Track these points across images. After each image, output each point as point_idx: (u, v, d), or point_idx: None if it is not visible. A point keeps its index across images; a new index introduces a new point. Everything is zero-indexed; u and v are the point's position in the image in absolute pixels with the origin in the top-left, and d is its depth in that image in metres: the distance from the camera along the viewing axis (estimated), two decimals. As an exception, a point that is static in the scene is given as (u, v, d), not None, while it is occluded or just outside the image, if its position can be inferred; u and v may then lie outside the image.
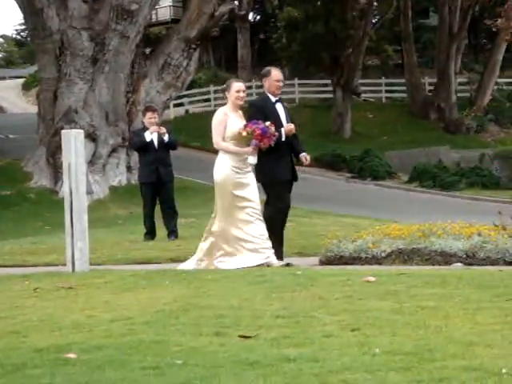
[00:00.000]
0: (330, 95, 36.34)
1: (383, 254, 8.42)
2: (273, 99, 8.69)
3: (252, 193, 8.27)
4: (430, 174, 27.30)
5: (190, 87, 33.72)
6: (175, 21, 38.55)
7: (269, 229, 8.27)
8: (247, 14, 43.82)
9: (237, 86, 8.40)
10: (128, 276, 7.29)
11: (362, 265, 8.40)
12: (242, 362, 4.06)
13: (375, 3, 36.93)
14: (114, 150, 23.00)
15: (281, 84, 8.79)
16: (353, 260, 8.53)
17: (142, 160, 12.44)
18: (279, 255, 8.45)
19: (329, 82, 36.35)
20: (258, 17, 48.24)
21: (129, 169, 23.26)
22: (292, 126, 8.67)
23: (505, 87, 37.08)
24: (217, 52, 47.17)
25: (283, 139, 8.54)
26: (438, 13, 36.03)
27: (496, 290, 5.63)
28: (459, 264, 7.96)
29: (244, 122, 8.36)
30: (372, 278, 6.36)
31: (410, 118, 36.23)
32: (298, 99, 39.53)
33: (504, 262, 7.85)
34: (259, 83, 40.76)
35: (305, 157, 8.69)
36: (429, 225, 8.80)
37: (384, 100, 40.00)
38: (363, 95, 38.61)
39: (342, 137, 34.22)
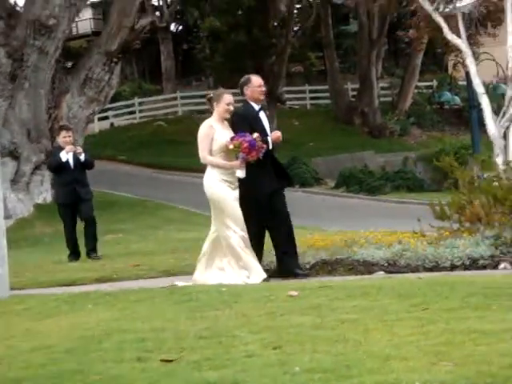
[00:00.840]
0: (255, 104, 36.48)
1: (307, 266, 8.50)
2: (256, 107, 8.49)
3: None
4: (356, 178, 27.65)
5: (114, 100, 33.44)
6: (96, 33, 38.17)
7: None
8: (169, 25, 43.71)
9: (228, 99, 8.16)
10: (50, 301, 7.17)
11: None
12: (163, 389, 4.05)
13: (295, 11, 37.29)
14: (37, 167, 22.62)
15: (264, 89, 8.58)
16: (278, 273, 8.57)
17: (59, 180, 12.26)
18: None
19: (253, 90, 36.47)
20: (181, 27, 48.16)
21: (53, 186, 22.92)
22: (279, 133, 8.50)
23: (425, 91, 37.82)
24: (140, 64, 46.91)
25: (270, 148, 8.32)
26: (358, 19, 36.58)
27: (414, 300, 5.74)
28: (381, 272, 8.09)
29: (231, 133, 8.15)
30: (295, 293, 6.41)
31: (335, 124, 36.65)
32: (224, 109, 39.53)
33: (423, 268, 8.01)
34: (184, 94, 40.81)
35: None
36: (351, 234, 8.92)
37: (309, 107, 40.39)
38: (288, 103, 38.93)
39: (268, 145, 34.35)
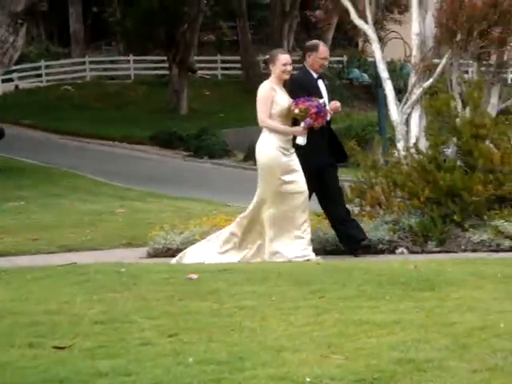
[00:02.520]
0: (166, 72, 36.14)
1: (210, 246, 8.45)
2: (315, 75, 8.12)
3: (301, 179, 7.68)
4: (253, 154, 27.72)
5: (19, 62, 32.50)
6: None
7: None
8: (79, -13, 42.73)
9: (284, 59, 7.74)
10: None
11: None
12: (52, 380, 3.96)
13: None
14: None
15: (326, 63, 8.31)
16: (180, 252, 8.53)
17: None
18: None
19: (164, 58, 36.13)
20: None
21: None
22: (338, 103, 8.21)
23: (335, 65, 38.13)
24: (48, 25, 45.70)
25: (328, 118, 7.94)
26: (271, -9, 36.59)
27: (312, 287, 5.79)
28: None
29: (288, 98, 7.67)
30: (194, 276, 6.38)
31: (246, 95, 36.50)
32: (134, 75, 39.05)
33: (324, 251, 8.10)
34: (93, 58, 39.98)
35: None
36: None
37: (220, 77, 40.22)
38: (199, 72, 38.65)
39: (178, 114, 34.13)
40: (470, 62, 9.29)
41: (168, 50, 34.60)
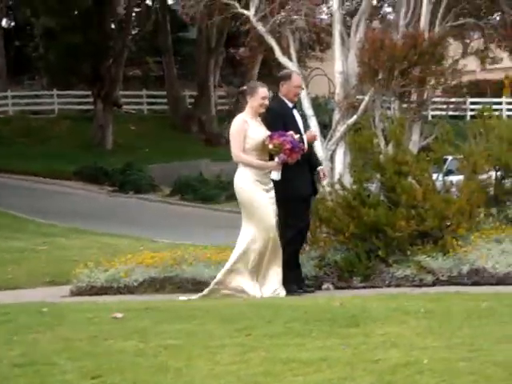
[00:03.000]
0: (91, 106, 35.86)
1: (135, 284, 8.39)
2: (290, 105, 8.05)
3: (274, 212, 7.60)
4: (191, 187, 27.72)
5: None
6: None
7: (290, 253, 7.74)
8: (0, 21, 42.19)
9: (263, 92, 7.66)
10: None
11: (115, 294, 8.32)
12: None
13: (134, 15, 36.98)
14: None
15: (300, 91, 8.19)
16: (105, 290, 8.42)
17: None
18: (300, 279, 8.00)
19: (89, 93, 35.87)
20: (13, 23, 46.49)
21: None
22: (314, 132, 8.12)
23: (261, 101, 38.40)
24: (-30, 59, 44.88)
25: (305, 148, 7.84)
26: (196, 27, 36.72)
27: (238, 324, 5.76)
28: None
29: (265, 130, 7.60)
30: (119, 315, 6.29)
31: (172, 131, 36.59)
32: (58, 110, 38.60)
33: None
34: (16, 93, 39.37)
35: (323, 171, 8.10)
36: (181, 251, 8.90)
37: (146, 112, 40.10)
38: (125, 107, 38.48)
39: (103, 149, 33.86)
40: (392, 99, 9.49)
41: (92, 84, 34.39)
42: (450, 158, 10.81)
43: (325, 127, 12.28)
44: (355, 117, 9.12)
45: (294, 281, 7.86)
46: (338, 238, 8.39)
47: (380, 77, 8.95)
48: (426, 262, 7.94)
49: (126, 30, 34.23)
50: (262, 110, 7.67)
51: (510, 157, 8.69)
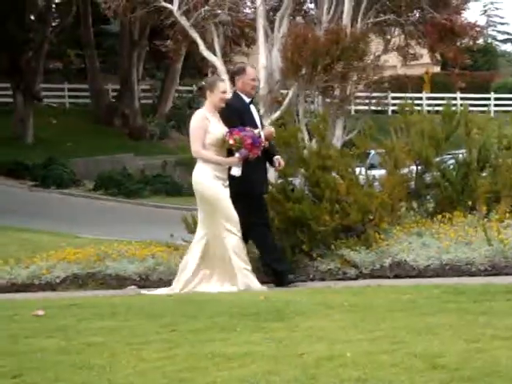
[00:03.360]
0: (10, 99, 35.10)
1: (57, 280, 8.27)
2: (246, 100, 7.92)
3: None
4: (115, 181, 27.45)
5: None
6: None
7: (264, 244, 7.71)
8: None
9: (222, 87, 7.64)
10: None
11: (36, 291, 8.18)
12: None
13: (54, 7, 36.33)
14: None
15: (256, 83, 7.98)
16: (26, 287, 8.27)
17: None
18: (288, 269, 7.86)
19: (8, 85, 35.10)
20: None
21: None
22: (272, 129, 7.98)
23: (185, 95, 38.28)
24: None
25: (265, 144, 7.74)
26: (119, 20, 36.32)
27: (163, 320, 5.73)
28: (133, 287, 8.04)
29: (223, 126, 7.50)
30: (41, 312, 6.18)
31: (95, 124, 36.11)
32: (-24, 104, 37.65)
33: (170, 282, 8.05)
34: None
35: (278, 160, 7.92)
36: (104, 247, 8.80)
37: (68, 105, 39.44)
38: (46, 100, 37.78)
39: (24, 143, 33.16)
40: (316, 94, 9.56)
41: (11, 77, 33.65)
42: (372, 152, 10.97)
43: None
44: (279, 112, 9.15)
45: (286, 269, 7.81)
46: (262, 232, 8.39)
47: (303, 72, 9.00)
48: (350, 255, 8.03)
49: (46, 22, 33.59)
50: (222, 105, 7.61)
51: (431, 152, 8.85)
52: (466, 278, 7.38)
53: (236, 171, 7.53)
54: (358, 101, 24.41)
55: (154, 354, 4.82)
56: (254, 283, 7.50)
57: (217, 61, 9.51)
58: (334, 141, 8.99)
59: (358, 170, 8.84)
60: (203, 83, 7.93)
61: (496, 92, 44.11)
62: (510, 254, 7.50)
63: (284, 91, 9.70)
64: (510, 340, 4.37)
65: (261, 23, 9.20)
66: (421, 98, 38.71)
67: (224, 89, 7.66)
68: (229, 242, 7.46)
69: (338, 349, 4.48)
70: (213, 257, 7.57)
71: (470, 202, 8.60)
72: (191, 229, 8.55)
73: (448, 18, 18.71)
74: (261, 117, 8.05)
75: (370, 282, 7.46)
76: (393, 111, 30.03)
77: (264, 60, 9.06)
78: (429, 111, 10.18)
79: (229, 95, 7.75)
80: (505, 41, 67.34)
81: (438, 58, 21.07)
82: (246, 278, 7.48)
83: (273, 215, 8.28)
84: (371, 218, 8.29)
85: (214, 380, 4.14)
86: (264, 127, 8.11)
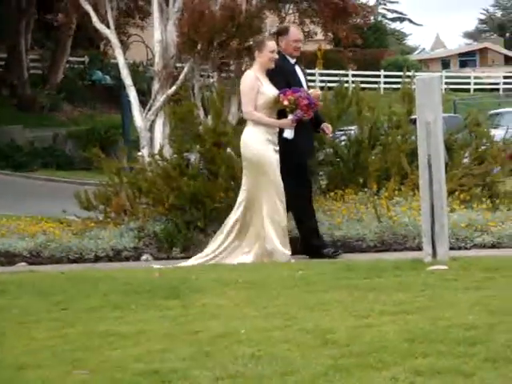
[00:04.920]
0: None
1: None
2: (291, 61, 7.59)
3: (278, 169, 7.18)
4: (3, 153, 26.70)
5: None
6: None
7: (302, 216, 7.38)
8: None
9: (271, 46, 7.26)
10: None
11: None
12: None
13: None
14: None
15: (300, 45, 7.63)
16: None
17: None
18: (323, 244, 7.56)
19: None
20: None
21: None
22: (319, 91, 7.63)
23: (76, 66, 37.47)
24: None
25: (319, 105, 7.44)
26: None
27: (55, 298, 5.64)
28: (23, 264, 7.87)
29: (274, 87, 7.16)
30: None
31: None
32: None
33: (68, 259, 7.94)
34: None
35: (327, 127, 7.62)
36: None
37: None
38: None
39: None
40: (211, 71, 9.54)
41: None
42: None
43: (143, 95, 12.15)
44: (174, 87, 9.08)
45: (322, 245, 7.60)
46: (157, 209, 8.38)
47: (199, 48, 8.95)
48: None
49: None
50: (272, 66, 7.30)
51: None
52: (357, 254, 7.56)
53: (289, 133, 7.25)
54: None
55: (45, 332, 4.75)
56: (279, 254, 7.22)
57: (110, 34, 9.34)
58: (230, 118, 9.00)
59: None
60: (251, 43, 7.66)
61: (386, 69, 45.10)
62: (399, 230, 7.71)
63: (180, 65, 9.64)
64: (398, 315, 4.50)
65: (155, -1, 9.09)
66: (314, 74, 39.19)
67: (273, 48, 7.34)
68: (266, 208, 7.19)
69: (233, 326, 4.51)
70: (248, 223, 7.30)
71: (361, 180, 8.79)
72: (84, 205, 8.43)
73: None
74: (307, 79, 7.85)
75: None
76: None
77: (159, 35, 8.95)
78: (322, 87, 10.29)
79: (277, 55, 7.36)
80: (394, 19, 68.74)
81: (331, 36, 21.35)
82: (272, 245, 7.22)
83: (168, 192, 8.24)
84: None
85: (108, 359, 4.11)
86: (312, 89, 7.82)
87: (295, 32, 7.80)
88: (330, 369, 3.60)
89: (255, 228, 7.28)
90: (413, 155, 7.78)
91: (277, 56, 7.33)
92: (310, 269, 6.44)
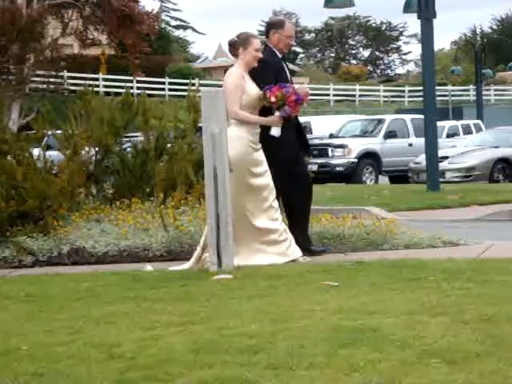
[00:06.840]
0: None
1: None
2: (279, 56, 7.28)
3: (267, 169, 6.94)
4: None
5: None
6: None
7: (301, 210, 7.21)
8: None
9: (257, 44, 6.98)
10: None
11: None
12: None
13: None
14: None
15: (292, 42, 7.36)
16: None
17: None
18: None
19: None
20: None
21: None
22: (307, 88, 7.22)
23: None
24: None
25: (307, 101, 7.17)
26: None
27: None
28: None
29: (256, 86, 6.90)
30: None
31: None
32: None
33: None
34: None
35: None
36: None
37: None
38: None
39: None
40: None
41: None
42: (49, 133, 10.77)
43: None
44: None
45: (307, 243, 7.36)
46: None
47: (-22, 52, 8.58)
48: (26, 242, 7.84)
49: None
50: (255, 64, 7.02)
51: (110, 139, 8.91)
52: (144, 264, 7.54)
53: (276, 131, 7.03)
54: (35, 79, 23.79)
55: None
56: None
57: None
58: (10, 124, 8.68)
59: (36, 151, 8.66)
60: (235, 39, 7.09)
61: (170, 77, 45.46)
62: (185, 239, 7.79)
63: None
64: (184, 326, 4.55)
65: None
66: (97, 79, 38.70)
67: (258, 46, 7.05)
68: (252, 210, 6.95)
69: (14, 342, 4.37)
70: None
71: (148, 189, 8.80)
72: None
73: (126, 4, 18.89)
74: (291, 76, 7.54)
75: (47, 269, 7.33)
76: (70, 91, 29.57)
77: None
78: (107, 93, 10.23)
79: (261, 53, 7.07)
80: (178, 27, 69.36)
81: (117, 42, 21.23)
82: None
83: None
84: (49, 204, 8.16)
85: None
86: (299, 86, 7.48)
87: (290, 28, 7.52)
88: (116, 383, 3.58)
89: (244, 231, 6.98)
90: (199, 165, 7.89)
91: (261, 55, 7.08)
92: (95, 280, 6.36)
